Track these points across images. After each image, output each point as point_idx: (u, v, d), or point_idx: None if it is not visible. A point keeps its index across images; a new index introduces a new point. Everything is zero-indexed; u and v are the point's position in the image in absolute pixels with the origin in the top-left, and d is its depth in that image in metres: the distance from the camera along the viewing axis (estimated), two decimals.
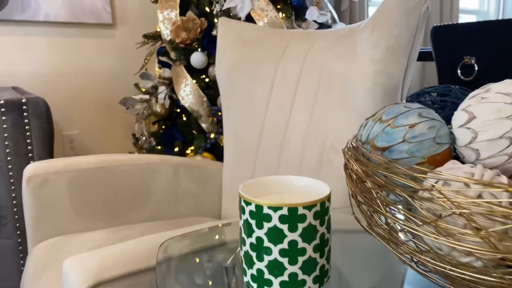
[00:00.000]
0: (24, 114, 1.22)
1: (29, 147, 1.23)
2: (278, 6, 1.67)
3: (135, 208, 1.02)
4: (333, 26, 1.67)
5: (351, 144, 0.44)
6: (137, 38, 2.17)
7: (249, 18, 1.57)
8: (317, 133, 0.86)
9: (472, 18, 4.03)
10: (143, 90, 1.72)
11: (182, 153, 1.62)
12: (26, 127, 1.23)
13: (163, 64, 1.78)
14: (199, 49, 1.61)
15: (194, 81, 1.62)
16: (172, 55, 1.66)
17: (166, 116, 1.72)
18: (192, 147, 1.57)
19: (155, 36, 1.81)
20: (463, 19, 3.87)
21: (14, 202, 1.23)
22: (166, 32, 1.64)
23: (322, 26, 1.66)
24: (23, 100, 1.22)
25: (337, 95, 0.81)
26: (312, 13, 1.58)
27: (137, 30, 2.16)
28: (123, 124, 2.20)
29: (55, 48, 1.99)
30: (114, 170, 0.99)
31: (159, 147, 1.70)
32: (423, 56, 2.42)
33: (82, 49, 2.05)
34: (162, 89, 1.65)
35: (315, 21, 1.60)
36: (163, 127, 1.75)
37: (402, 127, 0.39)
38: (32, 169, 0.93)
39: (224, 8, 1.55)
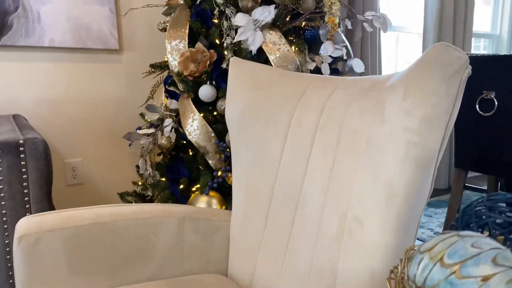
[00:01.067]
0: (21, 156, 1.15)
1: (25, 191, 1.16)
2: (291, 38, 1.61)
3: (137, 266, 0.95)
4: (348, 61, 1.60)
5: (398, 275, 0.36)
6: (145, 63, 2.11)
7: (260, 51, 1.51)
8: (338, 196, 0.78)
9: (484, 42, 3.97)
10: (149, 120, 1.65)
11: (187, 191, 1.54)
12: (23, 170, 1.16)
13: (170, 94, 1.72)
14: (208, 82, 1.55)
15: (202, 114, 1.56)
16: (180, 87, 1.60)
17: (172, 148, 1.65)
18: (198, 185, 1.49)
19: (163, 66, 1.75)
20: (476, 43, 3.80)
21: (7, 249, 1.16)
22: (174, 64, 1.58)
23: (336, 59, 1.59)
24: (20, 141, 1.15)
25: (360, 158, 0.74)
26: (327, 48, 1.51)
27: (145, 55, 2.11)
28: (127, 152, 2.13)
29: (60, 73, 1.93)
30: (114, 226, 0.92)
31: (163, 179, 1.63)
32: None
33: (88, 74, 1.99)
34: (169, 122, 1.59)
35: (329, 55, 1.53)
36: (169, 157, 1.68)
37: (472, 278, 0.31)
38: (24, 226, 0.86)
39: (235, 41, 1.49)
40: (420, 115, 0.61)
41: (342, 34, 1.77)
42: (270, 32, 1.51)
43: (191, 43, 1.60)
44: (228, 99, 1.12)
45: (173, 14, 1.70)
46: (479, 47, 3.98)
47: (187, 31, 1.60)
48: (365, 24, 1.85)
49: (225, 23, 1.51)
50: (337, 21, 1.57)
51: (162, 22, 1.77)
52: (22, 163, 1.15)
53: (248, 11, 1.52)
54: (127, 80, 2.09)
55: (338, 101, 0.87)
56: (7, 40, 1.78)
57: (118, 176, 2.11)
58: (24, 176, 1.16)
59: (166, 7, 1.81)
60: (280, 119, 0.99)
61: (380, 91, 0.73)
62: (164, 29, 1.77)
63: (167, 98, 1.75)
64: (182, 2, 1.73)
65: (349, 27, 1.83)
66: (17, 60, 1.84)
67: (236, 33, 1.51)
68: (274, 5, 1.50)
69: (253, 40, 1.49)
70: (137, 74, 2.10)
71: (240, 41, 1.50)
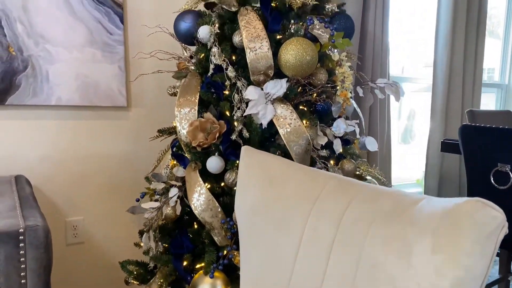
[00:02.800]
0: (20, 245, 1.10)
1: (22, 281, 1.11)
2: (302, 107, 1.58)
3: None
4: (361, 138, 1.56)
5: None
6: (152, 119, 2.08)
7: (271, 124, 1.47)
8: None
9: (493, 91, 3.95)
10: (154, 189, 1.60)
11: (191, 268, 1.48)
12: (21, 259, 1.11)
13: (177, 158, 1.67)
14: (216, 153, 1.51)
15: (209, 185, 1.51)
16: (188, 155, 1.56)
17: (176, 218, 1.59)
18: (203, 264, 1.43)
19: (171, 131, 1.72)
20: (485, 93, 3.78)
21: None
22: (183, 133, 1.54)
23: (348, 135, 1.55)
24: (21, 230, 1.10)
25: None
26: (339, 126, 1.47)
27: (153, 112, 2.08)
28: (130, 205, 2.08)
29: (65, 131, 1.90)
30: None
31: (167, 253, 1.57)
32: (449, 147, 2.30)
33: (93, 131, 1.96)
34: (174, 192, 1.54)
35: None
36: (172, 228, 1.63)
37: None
38: None
39: (245, 114, 1.46)
40: (451, 276, 0.56)
41: (354, 103, 1.74)
42: (282, 105, 1.48)
43: (201, 108, 1.57)
44: (238, 192, 1.07)
45: (183, 80, 1.68)
46: (488, 96, 3.96)
47: (197, 99, 1.58)
48: (377, 91, 1.82)
49: (236, 96, 1.48)
50: (349, 95, 1.54)
51: (172, 87, 1.75)
52: (21, 252, 1.10)
53: (259, 84, 1.50)
54: (133, 137, 2.06)
55: (356, 218, 0.82)
56: (14, 99, 1.75)
57: (120, 233, 2.05)
58: (22, 266, 1.11)
59: (176, 71, 1.80)
60: (294, 224, 0.94)
61: (404, 226, 0.68)
62: (173, 94, 1.75)
63: (174, 161, 1.71)
64: (193, 68, 1.71)
65: (361, 94, 1.80)
66: (22, 118, 1.81)
67: (247, 105, 1.48)
68: (286, 79, 1.48)
69: (264, 114, 1.46)
70: (144, 130, 2.07)
71: (250, 114, 1.47)
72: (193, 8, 1.72)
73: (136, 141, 2.06)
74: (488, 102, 4.00)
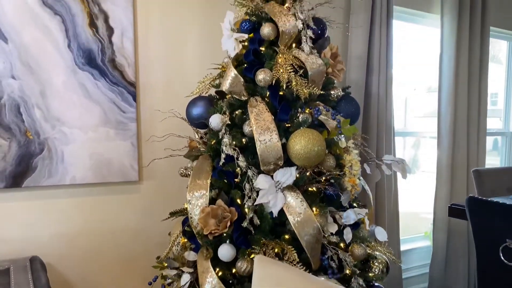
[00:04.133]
0: None
1: None
2: (311, 189, 1.61)
3: None
4: (371, 227, 1.59)
5: None
6: (163, 191, 2.12)
7: (281, 211, 1.50)
8: None
9: (497, 139, 3.98)
10: (166, 275, 1.62)
11: None
12: None
13: (189, 237, 1.69)
14: (228, 241, 1.53)
15: (220, 272, 1.53)
16: (200, 242, 1.59)
17: None
18: None
19: (183, 213, 1.75)
20: (489, 139, 3.80)
21: None
22: (195, 219, 1.57)
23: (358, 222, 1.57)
24: None
25: None
26: (349, 216, 1.50)
27: (163, 184, 2.12)
28: (142, 281, 2.09)
29: (78, 208, 1.94)
30: None
31: None
32: (457, 213, 2.31)
33: (105, 206, 2.00)
34: (186, 280, 1.56)
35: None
36: None
37: None
38: None
39: (256, 203, 1.49)
40: None
41: (362, 181, 1.77)
42: (292, 193, 1.51)
43: (212, 191, 1.60)
44: None
45: (195, 162, 1.73)
46: (491, 144, 3.99)
47: (208, 184, 1.61)
48: (384, 167, 1.85)
49: (247, 186, 1.52)
50: (357, 181, 1.58)
51: (184, 168, 1.80)
52: None
53: (269, 172, 1.54)
54: (144, 210, 2.09)
55: None
56: (30, 182, 1.81)
57: None
58: None
59: (188, 151, 1.85)
60: None
61: None
62: (185, 175, 1.79)
63: (184, 239, 1.73)
64: (203, 149, 1.76)
65: (368, 172, 1.84)
66: (37, 199, 1.86)
67: (257, 194, 1.52)
68: (295, 167, 1.52)
69: (275, 202, 1.50)
70: (155, 203, 2.11)
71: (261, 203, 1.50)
72: (204, 93, 1.79)
73: (147, 214, 2.09)
74: (494, 147, 4.02)
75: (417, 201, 3.65)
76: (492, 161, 3.99)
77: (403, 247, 3.08)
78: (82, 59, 1.88)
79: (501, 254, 1.81)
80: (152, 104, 2.07)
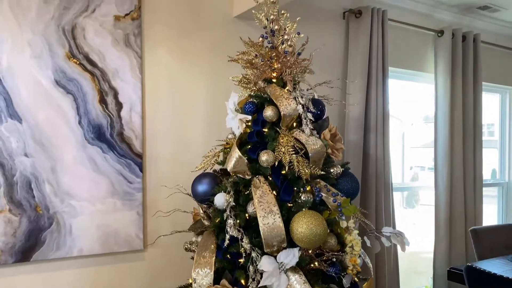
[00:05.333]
0: None
1: None
2: (313, 266, 1.65)
3: None
4: None
5: None
6: (167, 258, 2.16)
7: None
8: None
9: (494, 189, 4.04)
10: None
11: None
12: None
13: None
14: None
15: None
16: None
17: None
18: None
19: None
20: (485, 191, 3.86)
21: None
22: None
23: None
24: None
25: None
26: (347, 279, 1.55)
27: (167, 251, 2.16)
28: None
29: (85, 279, 1.97)
30: None
31: None
32: (456, 278, 2.34)
33: (111, 276, 2.03)
34: None
35: None
36: None
37: None
38: None
39: (260, 285, 1.53)
40: None
41: (362, 254, 1.82)
42: (295, 275, 1.56)
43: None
44: None
45: (200, 237, 1.78)
46: (489, 195, 4.05)
47: (213, 261, 1.66)
48: (383, 239, 1.90)
49: (251, 268, 1.57)
50: (358, 261, 1.63)
51: (188, 243, 1.84)
52: None
53: (273, 253, 1.59)
54: (149, 277, 2.12)
55: None
56: (39, 255, 1.85)
57: None
58: None
59: (192, 222, 1.90)
60: None
61: None
62: (189, 250, 1.84)
63: None
64: (207, 224, 1.81)
65: (368, 245, 1.88)
66: (45, 271, 1.89)
67: (261, 275, 1.56)
68: (298, 248, 1.57)
69: (278, 285, 1.54)
70: (160, 270, 2.14)
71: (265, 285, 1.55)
72: (208, 168, 1.85)
73: (152, 282, 2.12)
74: (492, 197, 4.08)
75: (417, 256, 3.67)
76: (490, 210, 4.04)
77: None
78: (91, 134, 1.96)
79: None
80: (158, 174, 2.14)
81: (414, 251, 3.74)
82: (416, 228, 3.82)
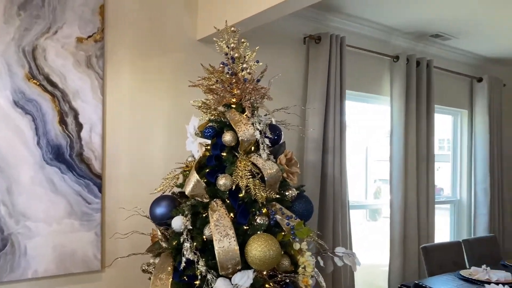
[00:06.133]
0: None
1: None
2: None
3: None
4: None
5: None
6: (125, 279, 2.16)
7: None
8: None
9: (447, 207, 4.24)
10: None
11: None
12: None
13: None
14: None
15: None
16: None
17: None
18: None
19: None
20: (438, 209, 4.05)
21: None
22: None
23: None
24: None
25: None
26: None
27: (126, 272, 2.16)
28: None
29: None
30: None
31: None
32: None
33: None
34: None
35: None
36: None
37: None
38: None
39: None
40: None
41: (316, 274, 1.89)
42: None
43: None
44: None
45: (157, 259, 1.81)
46: (443, 214, 4.25)
47: (169, 284, 1.69)
48: (336, 259, 1.99)
49: None
50: (310, 282, 1.70)
51: (146, 264, 1.86)
52: None
53: (228, 275, 1.64)
54: None
55: None
56: None
57: None
58: None
59: (150, 244, 1.92)
60: None
61: None
62: (147, 272, 1.86)
63: None
64: (164, 245, 1.84)
65: (322, 264, 1.96)
66: None
67: None
68: (252, 270, 1.63)
69: None
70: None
71: None
72: (167, 191, 1.89)
73: None
74: (445, 214, 4.28)
75: (377, 269, 3.79)
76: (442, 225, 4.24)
77: None
78: (50, 154, 1.96)
79: None
80: (118, 194, 2.15)
81: (373, 264, 3.85)
82: (376, 242, 3.95)
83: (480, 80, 4.14)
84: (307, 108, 2.87)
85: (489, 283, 2.42)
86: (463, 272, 2.68)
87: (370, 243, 3.71)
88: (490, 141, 4.08)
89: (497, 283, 2.39)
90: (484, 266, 2.67)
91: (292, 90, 2.92)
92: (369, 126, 3.75)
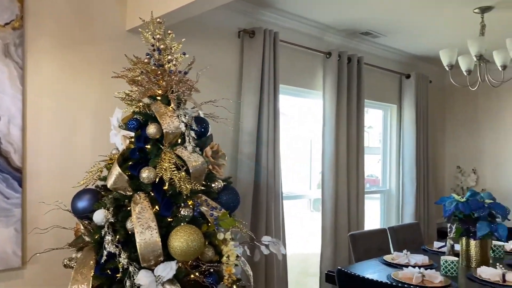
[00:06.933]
0: None
1: None
2: (192, 278, 1.73)
3: None
4: None
5: None
6: (49, 275, 2.10)
7: None
8: None
9: (377, 196, 4.46)
10: None
11: None
12: None
13: None
14: None
15: None
16: None
17: None
18: None
19: None
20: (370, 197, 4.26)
21: None
22: None
23: None
24: None
25: None
26: None
27: (49, 268, 2.10)
28: None
29: None
30: None
31: None
32: (332, 280, 2.58)
33: None
34: None
35: None
36: None
37: None
38: None
39: None
40: None
41: (242, 263, 1.94)
42: (172, 286, 1.62)
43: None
44: None
45: (80, 254, 1.77)
46: (373, 203, 4.48)
47: (90, 278, 1.66)
48: (262, 248, 2.05)
49: (128, 283, 1.60)
50: (233, 270, 1.74)
51: (68, 259, 1.82)
52: None
53: (151, 267, 1.64)
54: None
55: None
56: None
57: None
58: None
59: (73, 240, 1.88)
60: None
61: None
62: (69, 267, 1.81)
63: None
64: (88, 239, 1.80)
65: (248, 253, 2.02)
66: None
67: None
68: (175, 261, 1.64)
69: None
70: (41, 285, 2.07)
71: None
72: (91, 184, 1.85)
73: None
74: (375, 203, 4.52)
75: (312, 258, 3.93)
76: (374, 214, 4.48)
77: None
78: None
79: None
80: (40, 189, 2.08)
81: (308, 253, 3.99)
82: (316, 231, 4.10)
83: (408, 76, 4.39)
84: (238, 102, 2.91)
85: (407, 266, 2.60)
86: (386, 257, 2.85)
87: (310, 233, 3.84)
88: (416, 134, 4.34)
89: (414, 266, 2.57)
90: (405, 251, 2.86)
91: (227, 83, 2.95)
92: (313, 120, 3.86)
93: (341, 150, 3.58)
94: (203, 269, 1.71)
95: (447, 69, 3.04)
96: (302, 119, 3.84)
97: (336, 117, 3.53)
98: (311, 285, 3.75)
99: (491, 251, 2.90)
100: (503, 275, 2.39)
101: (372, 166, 4.56)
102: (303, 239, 3.98)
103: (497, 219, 2.76)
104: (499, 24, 3.26)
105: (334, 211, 3.47)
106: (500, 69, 2.95)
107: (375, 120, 4.73)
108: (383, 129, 4.48)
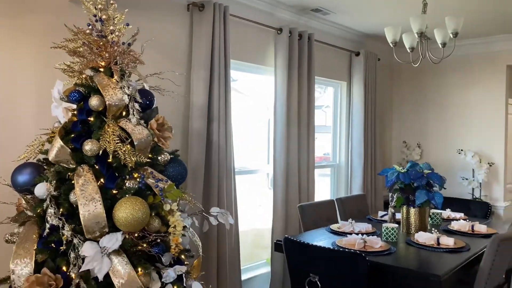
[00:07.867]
0: None
1: None
2: (139, 249, 1.75)
3: None
4: (188, 283, 1.79)
5: None
6: None
7: (108, 274, 1.61)
8: None
9: (328, 169, 4.61)
10: None
11: None
12: None
13: None
14: None
15: None
16: None
17: None
18: None
19: (8, 280, 1.74)
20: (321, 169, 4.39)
21: None
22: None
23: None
24: None
25: None
26: (169, 275, 1.69)
27: None
28: None
29: None
30: None
31: None
32: (280, 248, 2.68)
33: None
34: None
35: None
36: None
37: None
38: None
39: (81, 270, 1.58)
40: None
41: (190, 234, 1.98)
42: (118, 257, 1.64)
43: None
44: None
45: (22, 229, 1.74)
46: (326, 179, 4.64)
47: (33, 252, 1.65)
48: (211, 219, 2.10)
49: (72, 254, 1.60)
50: (180, 240, 1.77)
51: (10, 234, 1.78)
52: None
53: (96, 238, 1.64)
54: None
55: None
56: None
57: None
58: None
59: (15, 214, 1.84)
60: None
61: None
62: (11, 242, 1.78)
63: None
64: (30, 213, 1.77)
65: (197, 224, 2.06)
66: None
67: (83, 260, 1.60)
68: (121, 232, 1.65)
69: (100, 268, 1.60)
70: None
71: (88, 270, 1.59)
72: (32, 158, 1.81)
73: None
74: (326, 174, 4.68)
75: (265, 231, 4.03)
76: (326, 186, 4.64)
77: (244, 276, 3.40)
78: None
79: (307, 286, 2.19)
80: None
81: (262, 228, 4.09)
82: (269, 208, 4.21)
83: (357, 54, 4.51)
84: (180, 74, 2.89)
85: (351, 234, 2.74)
86: (333, 226, 2.99)
87: (265, 209, 3.92)
88: (365, 110, 4.49)
89: (357, 234, 2.71)
90: (350, 220, 3.00)
91: (176, 57, 2.91)
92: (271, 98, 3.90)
93: (292, 126, 3.66)
94: (150, 239, 1.73)
95: (392, 45, 3.16)
96: (260, 97, 3.86)
97: (288, 93, 3.59)
98: (262, 255, 3.86)
99: (429, 218, 3.10)
100: (438, 239, 2.58)
101: (329, 144, 4.68)
102: (258, 215, 4.06)
103: (434, 188, 2.95)
104: (441, 3, 3.41)
105: (285, 185, 3.57)
106: (440, 46, 3.10)
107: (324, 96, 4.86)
108: (333, 106, 4.61)
